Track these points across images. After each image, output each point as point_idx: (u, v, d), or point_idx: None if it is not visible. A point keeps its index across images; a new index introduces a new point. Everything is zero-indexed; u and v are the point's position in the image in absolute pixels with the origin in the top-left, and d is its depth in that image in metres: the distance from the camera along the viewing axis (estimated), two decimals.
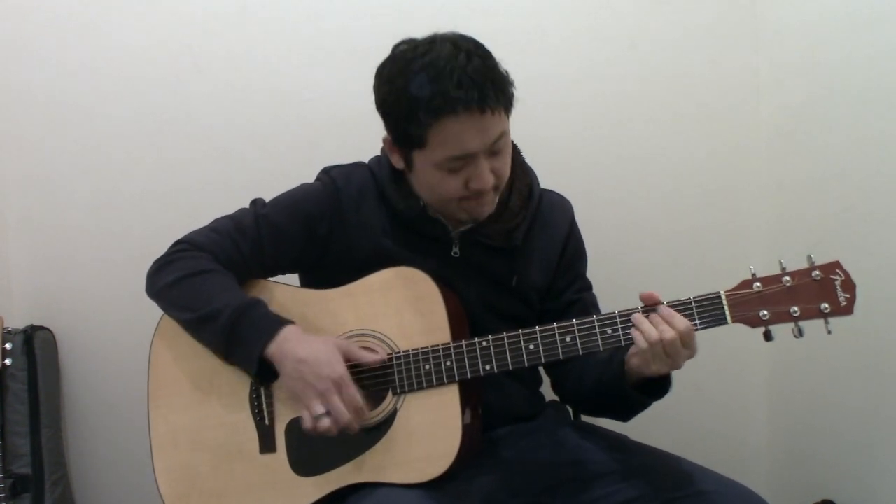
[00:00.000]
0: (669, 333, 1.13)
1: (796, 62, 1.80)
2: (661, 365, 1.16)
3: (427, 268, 1.29)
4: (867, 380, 1.61)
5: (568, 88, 1.86)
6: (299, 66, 1.84)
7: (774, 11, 1.85)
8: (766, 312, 1.14)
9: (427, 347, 1.24)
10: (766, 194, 1.90)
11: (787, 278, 1.15)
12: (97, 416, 1.88)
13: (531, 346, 1.21)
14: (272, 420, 1.29)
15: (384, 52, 1.42)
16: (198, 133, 1.84)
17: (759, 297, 1.15)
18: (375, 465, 1.23)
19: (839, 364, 1.69)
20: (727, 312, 1.15)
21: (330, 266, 1.36)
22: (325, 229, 1.35)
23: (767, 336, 1.15)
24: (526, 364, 1.22)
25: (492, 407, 1.33)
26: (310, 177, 1.43)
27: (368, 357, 1.23)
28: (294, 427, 1.27)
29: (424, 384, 1.23)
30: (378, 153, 1.41)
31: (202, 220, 1.40)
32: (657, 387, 1.23)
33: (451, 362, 1.22)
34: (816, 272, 1.14)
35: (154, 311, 1.35)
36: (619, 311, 1.19)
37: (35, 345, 1.77)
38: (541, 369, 1.48)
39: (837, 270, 1.14)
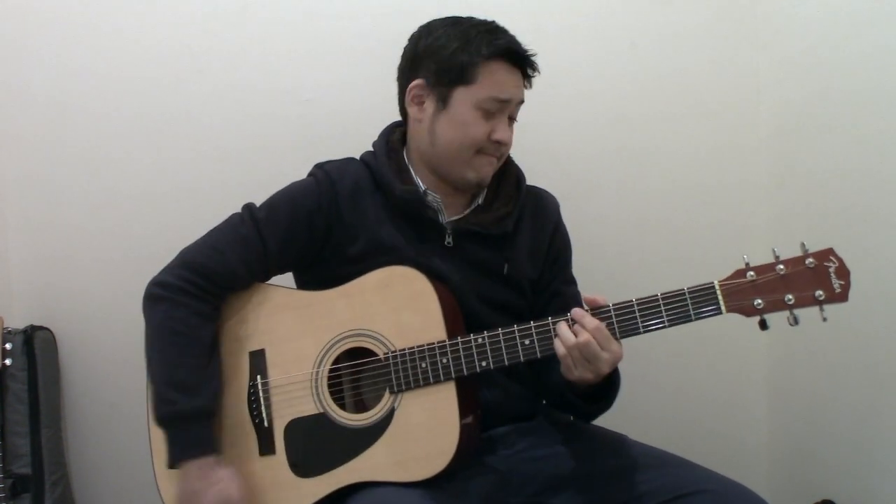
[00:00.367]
0: (583, 336, 1.15)
1: (796, 62, 1.80)
2: (583, 370, 1.17)
3: (420, 257, 1.30)
4: (867, 380, 1.61)
5: (568, 88, 1.86)
6: (299, 65, 1.84)
7: (775, 11, 1.85)
8: (760, 301, 1.14)
9: (423, 345, 1.24)
10: (765, 193, 1.90)
11: (781, 266, 1.14)
12: (97, 416, 1.88)
13: (526, 341, 1.21)
14: (271, 422, 1.30)
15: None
16: (198, 133, 1.84)
17: (753, 286, 1.15)
18: (374, 465, 1.23)
19: (839, 364, 1.69)
20: (721, 302, 1.15)
21: (327, 259, 1.36)
22: (324, 223, 1.35)
23: (763, 325, 1.15)
24: (522, 359, 1.22)
25: (491, 406, 1.33)
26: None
27: None
28: (293, 428, 1.28)
29: (421, 382, 1.23)
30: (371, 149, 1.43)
31: (202, 219, 1.39)
32: (605, 391, 1.26)
33: (448, 359, 1.23)
34: (810, 259, 1.13)
35: None
36: (615, 304, 1.19)
37: (35, 345, 1.77)
38: None
39: (831, 257, 1.13)
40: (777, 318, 1.15)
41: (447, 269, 1.34)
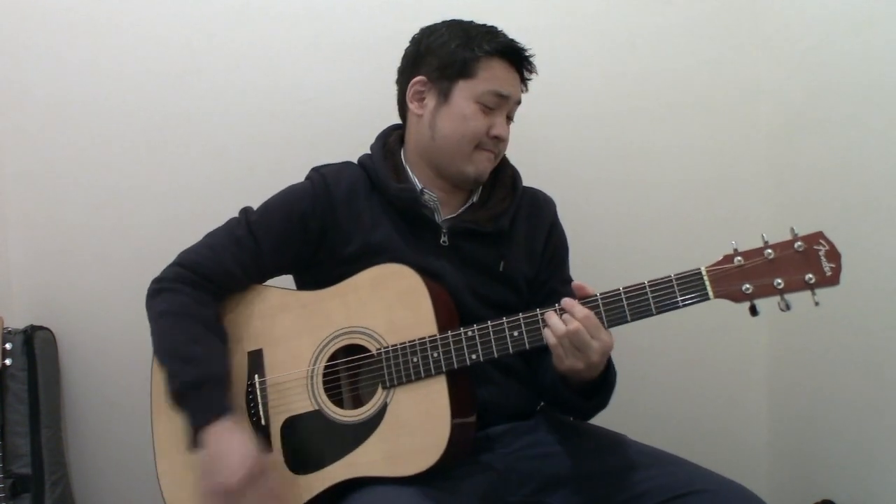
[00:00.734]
0: (573, 324, 1.14)
1: (796, 60, 1.80)
2: (574, 359, 1.16)
3: (416, 256, 1.31)
4: (867, 379, 1.61)
5: (568, 87, 1.86)
6: (298, 65, 1.84)
7: (774, 11, 1.85)
8: (748, 286, 1.12)
9: (414, 340, 1.24)
10: (765, 191, 1.90)
11: (770, 251, 1.12)
12: (97, 416, 1.88)
13: (515, 333, 1.21)
14: (267, 420, 1.30)
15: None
16: (198, 132, 1.84)
17: (741, 271, 1.12)
18: (369, 460, 1.23)
19: (839, 363, 1.69)
20: (709, 287, 1.13)
21: (324, 261, 1.38)
22: (318, 226, 1.37)
23: (753, 311, 1.13)
24: (511, 351, 1.22)
25: (488, 405, 1.33)
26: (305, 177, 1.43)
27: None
28: (289, 426, 1.29)
29: (413, 377, 1.24)
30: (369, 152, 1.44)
31: (202, 218, 1.41)
32: (599, 386, 1.26)
33: (438, 353, 1.23)
34: (799, 243, 1.11)
35: None
36: (602, 294, 1.18)
37: (35, 345, 1.77)
38: None
39: (821, 241, 1.11)
40: (768, 305, 1.13)
41: (443, 268, 1.35)
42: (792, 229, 1.13)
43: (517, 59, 1.38)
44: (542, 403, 1.47)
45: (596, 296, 1.18)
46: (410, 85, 1.39)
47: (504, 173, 1.45)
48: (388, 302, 1.28)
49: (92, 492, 1.90)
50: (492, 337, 1.22)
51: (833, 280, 1.10)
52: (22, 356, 1.75)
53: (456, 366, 1.23)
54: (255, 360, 1.34)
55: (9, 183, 1.84)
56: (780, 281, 1.11)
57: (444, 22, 1.41)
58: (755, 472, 1.94)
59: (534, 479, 1.30)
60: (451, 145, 1.36)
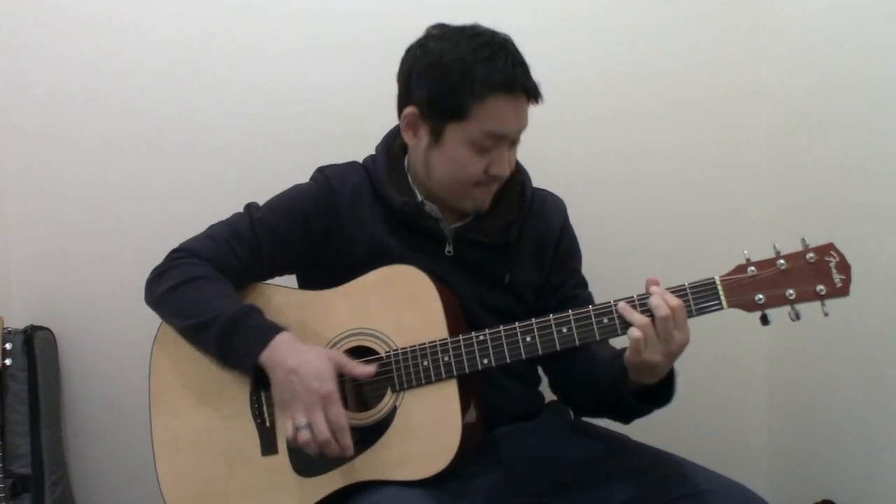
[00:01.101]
0: (663, 310, 1.12)
1: (796, 60, 1.80)
2: (653, 351, 1.14)
3: (421, 266, 1.29)
4: (867, 379, 1.61)
5: (568, 88, 1.86)
6: (299, 66, 1.84)
7: (774, 11, 1.85)
8: (761, 296, 1.14)
9: (425, 344, 1.23)
10: (765, 194, 1.90)
11: (782, 262, 1.14)
12: (97, 416, 1.88)
13: (528, 339, 1.21)
14: (273, 422, 1.29)
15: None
16: (198, 132, 1.84)
17: (754, 281, 1.15)
18: (377, 464, 1.23)
19: (839, 363, 1.69)
20: (723, 297, 1.15)
21: (326, 265, 1.36)
22: (321, 228, 1.35)
23: (764, 320, 1.15)
24: (524, 356, 1.21)
25: (492, 406, 1.33)
26: (309, 176, 1.43)
27: (360, 370, 1.22)
28: None
29: (423, 380, 1.23)
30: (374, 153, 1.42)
31: (202, 219, 1.40)
32: (658, 393, 1.23)
33: (449, 357, 1.22)
34: (811, 255, 1.14)
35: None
36: (615, 301, 1.19)
37: (35, 345, 1.77)
38: (539, 368, 1.48)
39: (832, 252, 1.14)
40: (778, 314, 1.15)
41: (448, 278, 1.33)
42: (803, 240, 1.15)
43: (529, 87, 1.25)
44: (543, 404, 1.47)
45: (684, 285, 1.17)
46: (403, 116, 1.31)
47: (513, 179, 1.38)
48: (396, 303, 1.26)
49: (92, 492, 1.90)
50: (504, 342, 1.22)
51: (843, 291, 1.13)
52: (22, 356, 1.75)
53: (467, 370, 1.22)
54: None
55: (9, 182, 1.84)
56: (791, 292, 1.14)
57: (438, 37, 1.28)
58: (755, 472, 1.94)
59: (538, 481, 1.30)
60: (446, 186, 1.31)
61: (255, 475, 1.28)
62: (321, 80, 1.84)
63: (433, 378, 1.23)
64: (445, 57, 1.24)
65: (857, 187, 1.62)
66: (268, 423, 1.29)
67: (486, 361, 1.22)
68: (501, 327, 1.22)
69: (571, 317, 1.20)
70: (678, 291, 1.16)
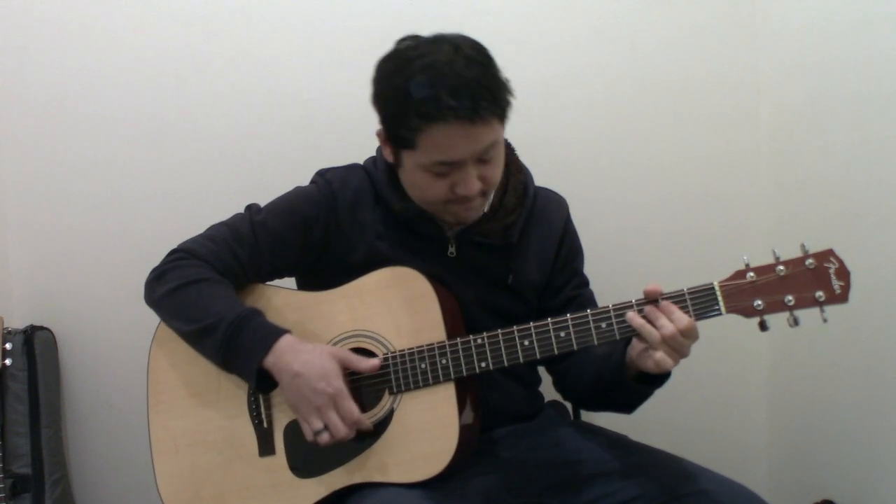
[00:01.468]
0: (669, 329, 1.13)
1: (796, 62, 1.80)
2: (665, 357, 1.14)
3: (423, 268, 1.28)
4: (867, 380, 1.61)
5: (568, 89, 1.86)
6: (299, 66, 1.84)
7: (774, 11, 1.85)
8: (760, 302, 1.14)
9: (422, 346, 1.23)
10: (765, 194, 1.90)
11: (781, 267, 1.14)
12: (97, 416, 1.88)
13: (526, 342, 1.21)
14: (270, 423, 1.29)
15: (384, 52, 1.42)
16: (198, 133, 1.84)
17: (753, 287, 1.14)
18: (374, 466, 1.23)
19: (839, 364, 1.69)
20: (721, 303, 1.15)
21: (327, 268, 1.36)
22: (322, 232, 1.35)
23: (763, 326, 1.15)
24: (521, 360, 1.21)
25: (491, 407, 1.33)
26: (309, 177, 1.43)
27: (365, 364, 1.22)
28: (292, 429, 1.27)
29: (420, 383, 1.23)
30: (374, 154, 1.41)
31: (202, 220, 1.40)
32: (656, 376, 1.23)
33: (447, 360, 1.22)
34: (810, 260, 1.13)
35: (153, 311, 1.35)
36: (614, 305, 1.19)
37: (35, 345, 1.77)
38: (540, 368, 1.48)
39: (831, 258, 1.13)
40: (777, 319, 1.15)
41: (450, 280, 1.32)
42: (803, 245, 1.14)
43: (468, 112, 1.14)
44: (542, 405, 1.47)
45: (683, 290, 1.16)
46: (377, 133, 1.29)
47: (515, 180, 1.37)
48: (395, 306, 1.26)
49: (92, 492, 1.90)
50: (502, 345, 1.22)
51: (842, 298, 1.12)
52: (22, 356, 1.75)
53: (465, 373, 1.22)
54: None
55: (9, 183, 1.84)
56: (790, 298, 1.13)
57: (388, 56, 1.23)
58: (755, 472, 1.94)
59: (537, 481, 1.30)
60: (420, 203, 1.30)
61: (252, 476, 1.28)
62: (321, 81, 1.84)
63: (430, 381, 1.23)
64: (385, 86, 1.22)
65: (856, 190, 1.61)
66: (265, 424, 1.29)
67: (483, 364, 1.22)
68: (499, 331, 1.22)
69: (569, 321, 1.20)
70: (677, 297, 1.16)
